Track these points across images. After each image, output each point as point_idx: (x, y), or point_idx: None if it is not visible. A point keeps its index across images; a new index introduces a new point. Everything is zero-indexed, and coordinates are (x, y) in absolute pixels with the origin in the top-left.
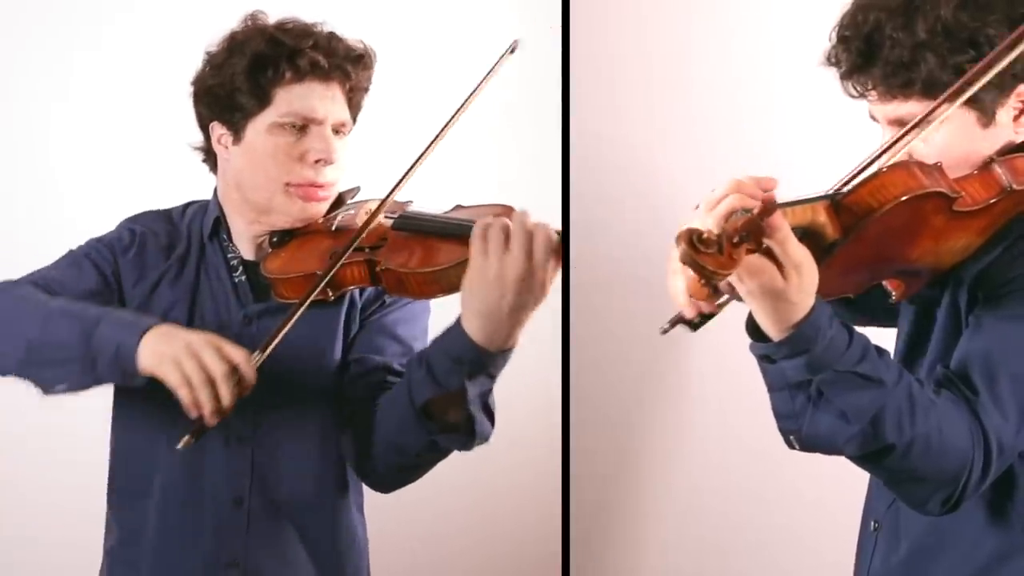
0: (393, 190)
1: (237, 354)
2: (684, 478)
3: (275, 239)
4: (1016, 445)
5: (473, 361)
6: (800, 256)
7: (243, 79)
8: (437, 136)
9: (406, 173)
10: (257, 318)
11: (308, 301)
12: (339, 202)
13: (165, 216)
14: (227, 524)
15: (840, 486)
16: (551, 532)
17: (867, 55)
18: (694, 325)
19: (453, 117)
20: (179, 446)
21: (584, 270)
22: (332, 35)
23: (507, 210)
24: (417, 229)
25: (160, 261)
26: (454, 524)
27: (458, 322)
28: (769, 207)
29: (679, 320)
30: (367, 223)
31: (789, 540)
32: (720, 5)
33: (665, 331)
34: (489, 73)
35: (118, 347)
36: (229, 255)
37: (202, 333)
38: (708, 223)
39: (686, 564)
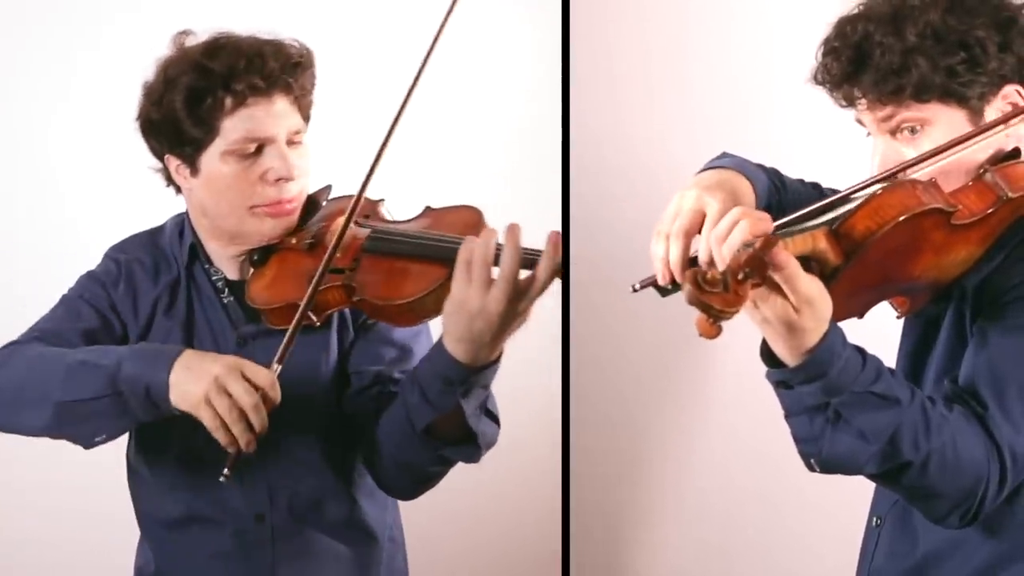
0: (357, 201)
1: (262, 376)
2: (685, 477)
3: (255, 257)
4: None
5: (463, 380)
6: (811, 291)
7: (184, 114)
8: (397, 116)
9: (371, 169)
10: (252, 339)
11: (300, 324)
12: (314, 205)
13: (150, 240)
14: (253, 541)
15: (842, 486)
16: (551, 532)
17: (857, 63)
18: (665, 291)
19: (415, 81)
20: (221, 479)
21: (584, 270)
22: (262, 49)
23: (475, 215)
24: (390, 251)
25: (150, 288)
26: (454, 524)
27: (441, 343)
28: (770, 241)
29: (651, 283)
30: (331, 254)
31: (791, 541)
32: (720, 4)
33: (636, 290)
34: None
35: (147, 388)
36: (213, 277)
37: (224, 359)
38: (724, 254)
39: (687, 564)
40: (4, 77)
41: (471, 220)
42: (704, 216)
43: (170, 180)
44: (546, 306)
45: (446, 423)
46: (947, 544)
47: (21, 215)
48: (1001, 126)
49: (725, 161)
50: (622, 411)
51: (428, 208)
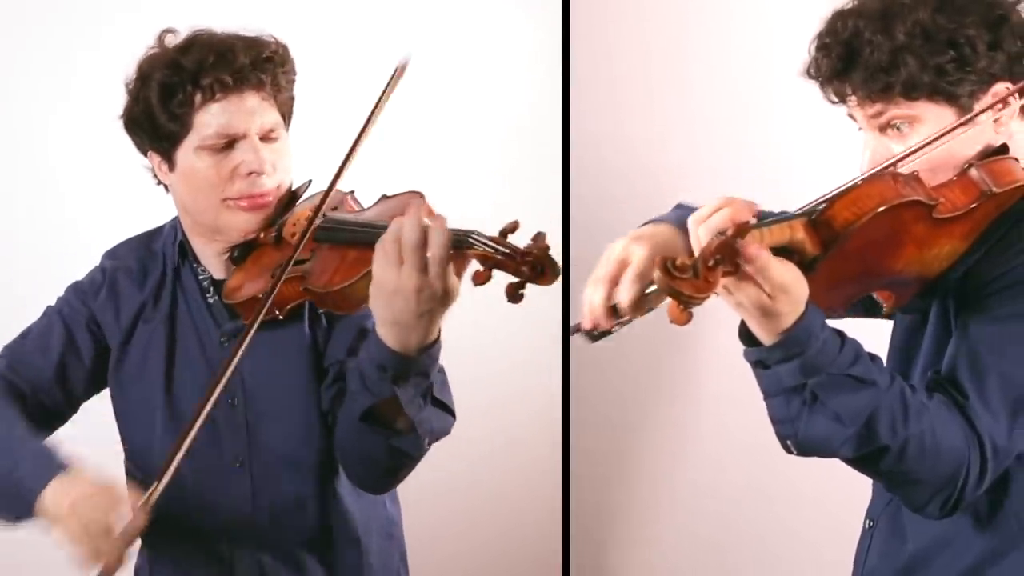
0: (315, 217)
1: (125, 506)
2: (684, 477)
3: (235, 254)
4: (1011, 446)
5: (396, 366)
6: (785, 278)
7: (159, 109)
8: (347, 157)
9: (339, 169)
10: (234, 336)
11: (255, 323)
12: (294, 200)
13: (144, 243)
14: (242, 543)
15: (840, 484)
16: (551, 532)
17: (847, 60)
18: (593, 337)
19: (357, 141)
20: None
21: (584, 270)
22: (233, 45)
23: (413, 197)
24: (335, 240)
25: (135, 294)
26: (454, 523)
27: (374, 328)
28: (742, 228)
29: (576, 330)
30: (291, 256)
31: (789, 539)
32: (720, 4)
33: (571, 334)
34: (384, 94)
35: (28, 493)
36: (200, 276)
37: (95, 487)
38: (701, 237)
39: (686, 563)
40: (4, 77)
41: (408, 204)
42: (627, 265)
43: (157, 177)
44: (546, 306)
45: (391, 412)
46: (936, 542)
47: (21, 215)
48: (987, 112)
49: (669, 215)
50: (622, 411)
51: (383, 196)
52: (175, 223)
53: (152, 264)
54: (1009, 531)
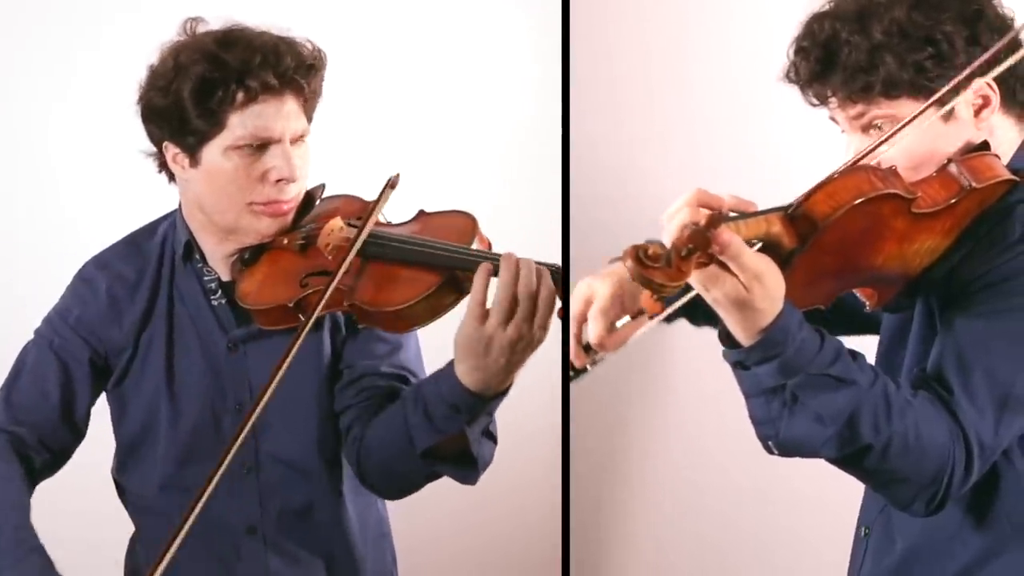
0: (353, 245)
1: None
2: (684, 476)
3: (246, 255)
4: (996, 442)
5: (471, 408)
6: (759, 266)
7: (192, 103)
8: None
9: (369, 213)
10: (242, 343)
11: (266, 397)
12: (309, 203)
13: (132, 246)
14: (246, 552)
15: (839, 484)
16: (551, 531)
17: (826, 62)
18: (575, 373)
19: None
20: None
21: (584, 271)
22: (278, 46)
23: (469, 221)
24: (382, 256)
25: (134, 302)
26: (454, 523)
27: (452, 368)
28: (715, 219)
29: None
30: (335, 277)
31: (788, 539)
32: (720, 5)
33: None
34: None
35: None
36: (205, 277)
37: None
38: (673, 230)
39: (686, 562)
40: (4, 77)
41: (464, 226)
42: (592, 302)
43: (163, 167)
44: None
45: (450, 446)
46: (928, 540)
47: (21, 215)
48: (968, 109)
49: None
50: (622, 410)
51: (421, 212)
52: (174, 220)
53: (144, 269)
54: (1002, 532)
